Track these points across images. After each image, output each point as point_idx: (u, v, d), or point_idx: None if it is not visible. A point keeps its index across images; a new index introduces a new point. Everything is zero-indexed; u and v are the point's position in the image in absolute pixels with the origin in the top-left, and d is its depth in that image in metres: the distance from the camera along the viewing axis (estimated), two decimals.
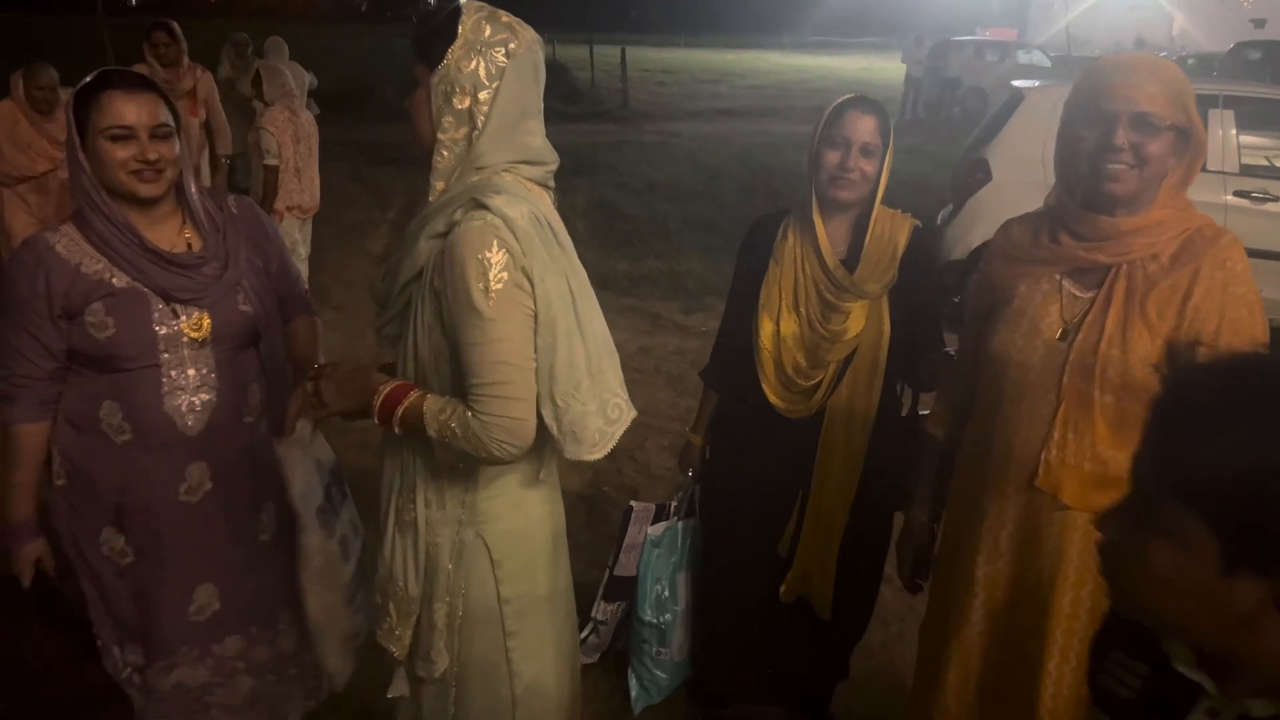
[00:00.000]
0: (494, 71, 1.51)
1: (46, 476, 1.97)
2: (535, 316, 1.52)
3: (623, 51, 19.59)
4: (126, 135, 1.81)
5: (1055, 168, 1.70)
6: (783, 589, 2.37)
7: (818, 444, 2.28)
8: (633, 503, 2.64)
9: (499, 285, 1.46)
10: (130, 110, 1.81)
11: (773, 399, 2.26)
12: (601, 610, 2.69)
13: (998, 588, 1.73)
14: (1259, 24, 28.36)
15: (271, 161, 5.28)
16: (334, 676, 2.07)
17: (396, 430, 1.58)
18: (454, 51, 1.51)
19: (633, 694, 2.67)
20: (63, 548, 1.98)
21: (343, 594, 2.03)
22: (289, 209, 5.43)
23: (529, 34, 1.57)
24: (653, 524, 2.61)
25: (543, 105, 1.62)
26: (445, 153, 1.55)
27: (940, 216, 6.63)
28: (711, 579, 2.51)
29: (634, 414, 1.66)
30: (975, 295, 1.85)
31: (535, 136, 1.60)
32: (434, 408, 1.54)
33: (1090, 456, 1.59)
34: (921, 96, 18.47)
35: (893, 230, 2.22)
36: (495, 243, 1.46)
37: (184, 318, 1.90)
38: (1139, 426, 1.53)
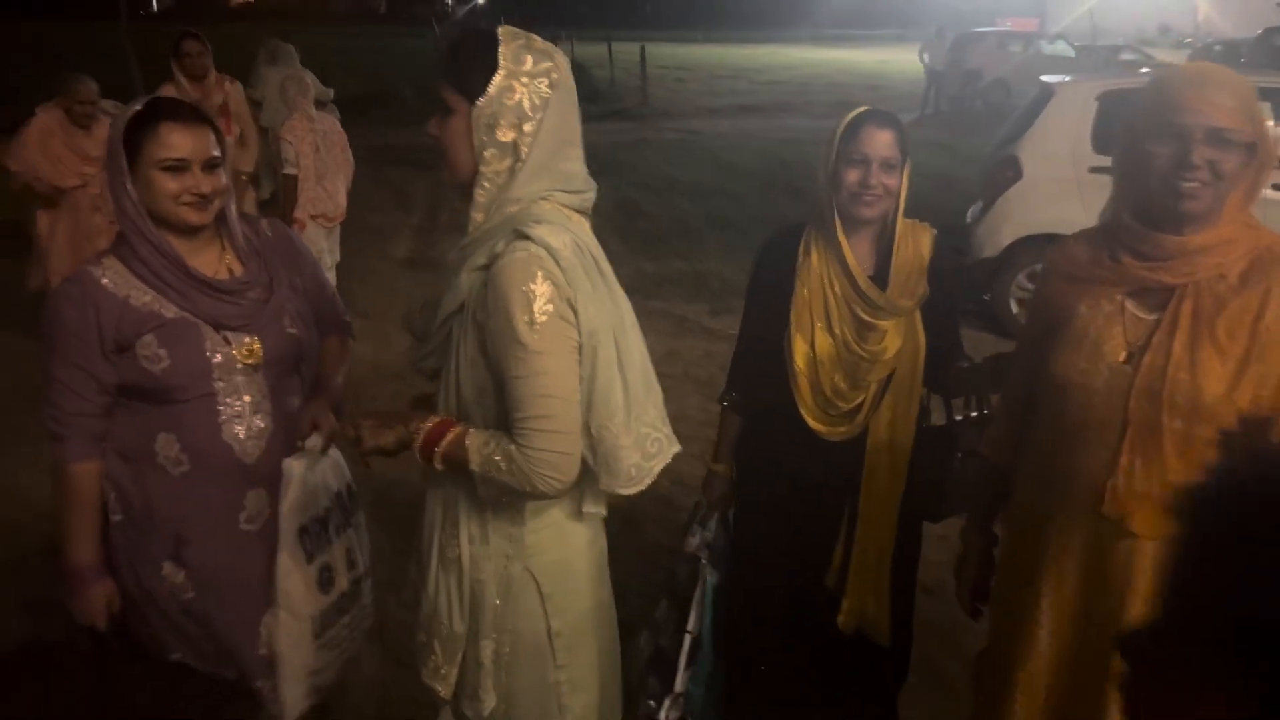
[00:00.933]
0: (538, 103, 1.49)
1: (103, 514, 1.94)
2: (579, 347, 1.50)
3: (642, 49, 19.53)
4: (180, 167, 1.80)
5: (1116, 183, 1.64)
6: (841, 619, 2.29)
7: (860, 466, 2.22)
8: (699, 555, 2.41)
9: (544, 317, 1.45)
10: (186, 143, 1.80)
11: (812, 423, 2.20)
12: (682, 681, 2.41)
13: (1065, 616, 1.68)
14: None
15: (290, 170, 5.29)
16: (285, 707, 2.01)
17: (438, 467, 1.56)
18: (496, 84, 1.48)
19: None
20: (124, 584, 1.95)
21: (310, 624, 1.98)
22: (313, 217, 5.43)
23: (563, 58, 1.56)
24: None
25: (580, 130, 1.59)
26: (487, 184, 1.52)
27: (970, 214, 6.54)
28: (753, 618, 2.40)
29: (676, 448, 1.65)
30: (1032, 315, 1.80)
31: (575, 164, 1.58)
32: (477, 442, 1.51)
33: (1159, 483, 1.54)
34: (943, 90, 18.28)
35: (916, 242, 2.19)
36: (540, 274, 1.45)
37: (235, 345, 1.89)
38: (1209, 451, 1.49)
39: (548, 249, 1.45)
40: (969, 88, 18.19)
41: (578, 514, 1.66)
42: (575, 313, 1.48)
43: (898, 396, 2.19)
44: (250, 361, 1.91)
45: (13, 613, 3.12)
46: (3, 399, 5.02)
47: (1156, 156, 1.52)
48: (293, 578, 1.92)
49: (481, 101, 1.48)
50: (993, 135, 6.86)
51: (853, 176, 2.08)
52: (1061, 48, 19.01)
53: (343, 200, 5.64)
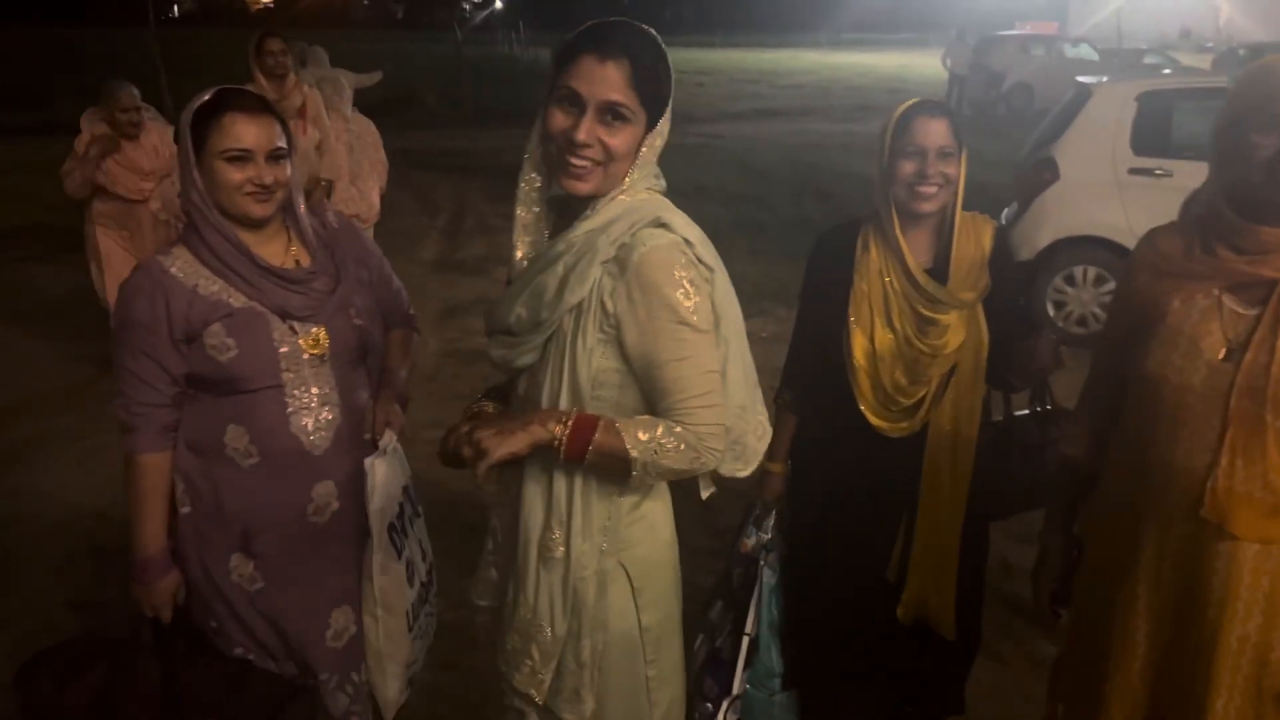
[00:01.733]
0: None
1: (172, 504, 1.94)
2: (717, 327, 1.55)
3: None
4: (244, 158, 1.80)
5: (1211, 174, 1.59)
6: (900, 610, 2.28)
7: (920, 462, 2.20)
8: (759, 556, 2.40)
9: (698, 298, 1.48)
10: (250, 133, 1.80)
11: (872, 419, 2.17)
12: (740, 682, 2.38)
13: (1162, 622, 1.63)
14: None
15: (326, 176, 5.26)
16: (388, 706, 2.05)
17: (587, 461, 1.50)
18: (670, 103, 1.53)
19: None
20: (191, 576, 1.96)
21: (406, 619, 2.02)
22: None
23: None
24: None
25: None
26: (624, 195, 1.55)
27: (1004, 216, 6.48)
28: (814, 612, 2.38)
29: (771, 432, 1.72)
30: (1116, 312, 1.75)
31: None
32: (633, 429, 1.48)
33: (1262, 484, 1.49)
34: (966, 94, 18.18)
35: (978, 235, 2.16)
36: (684, 259, 1.49)
37: (301, 335, 1.89)
38: None
39: (685, 238, 1.50)
40: (991, 91, 18.09)
41: (663, 506, 1.69)
42: (712, 297, 1.53)
43: (960, 392, 2.17)
44: (317, 352, 1.90)
45: (59, 613, 3.12)
46: (42, 402, 5.06)
47: (1260, 147, 1.47)
48: (388, 576, 1.95)
49: (662, 121, 1.52)
50: (1017, 139, 6.81)
51: (909, 169, 2.06)
52: (1085, 51, 18.90)
53: (376, 201, 5.63)
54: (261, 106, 1.84)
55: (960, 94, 18.16)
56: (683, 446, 1.48)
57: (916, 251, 2.13)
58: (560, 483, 1.59)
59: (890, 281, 2.13)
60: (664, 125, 1.53)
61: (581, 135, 1.45)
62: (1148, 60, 18.81)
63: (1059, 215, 5.94)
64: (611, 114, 1.46)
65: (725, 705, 2.33)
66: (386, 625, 1.96)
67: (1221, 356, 1.53)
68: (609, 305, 1.49)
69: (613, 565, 1.62)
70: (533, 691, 1.67)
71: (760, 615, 2.37)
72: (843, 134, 14.73)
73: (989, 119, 16.94)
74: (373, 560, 1.91)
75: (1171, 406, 1.57)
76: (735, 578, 2.45)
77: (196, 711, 1.84)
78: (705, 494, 1.67)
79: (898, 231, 2.11)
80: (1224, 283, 1.56)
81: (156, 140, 5.09)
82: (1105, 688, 1.71)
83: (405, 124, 14.67)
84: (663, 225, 1.49)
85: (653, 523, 1.67)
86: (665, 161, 1.67)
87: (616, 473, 1.51)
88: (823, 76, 25.79)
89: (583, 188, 1.50)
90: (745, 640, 2.34)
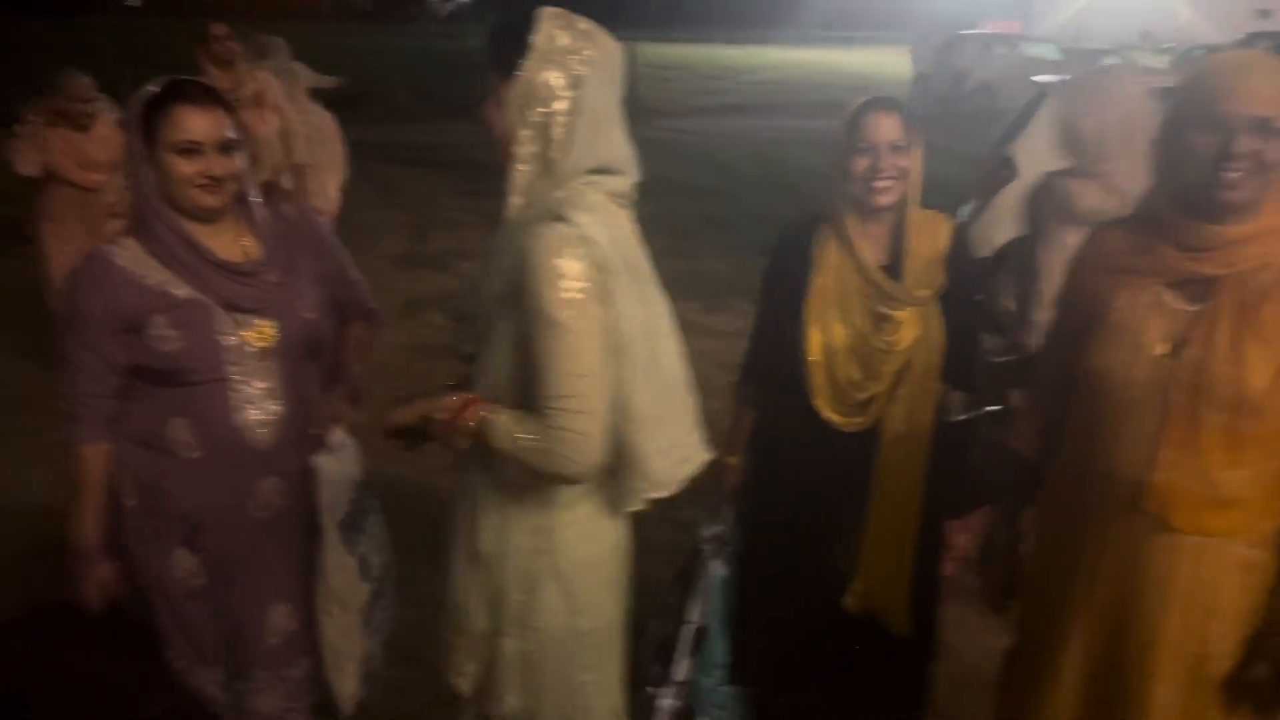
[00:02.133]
0: (570, 82, 1.47)
1: (116, 498, 1.92)
2: (611, 334, 1.48)
3: (632, 49, 19.49)
4: (194, 149, 1.78)
5: (1154, 173, 1.62)
6: (850, 600, 2.30)
7: (873, 456, 2.22)
8: (704, 547, 2.41)
9: (574, 295, 1.43)
10: (200, 125, 1.78)
11: (827, 413, 2.20)
12: (683, 670, 2.38)
13: (1098, 616, 1.66)
14: (1265, 14, 28.19)
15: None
16: (344, 700, 2.04)
17: (463, 443, 1.53)
18: (529, 63, 1.46)
19: None
20: (133, 570, 1.94)
21: (359, 615, 2.00)
22: None
23: (608, 41, 1.53)
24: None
25: (621, 113, 1.56)
26: (522, 166, 1.50)
27: (960, 213, 6.54)
28: (765, 604, 2.40)
29: (707, 456, 1.62)
30: (1064, 307, 1.78)
31: (615, 145, 1.55)
32: (506, 419, 1.50)
33: (1200, 478, 1.52)
34: (931, 92, 18.35)
35: (934, 232, 2.17)
36: (572, 252, 1.43)
37: (247, 328, 1.87)
38: (1252, 447, 1.48)
39: (584, 236, 1.44)
40: (955, 90, 18.26)
41: (608, 512, 1.63)
42: (609, 301, 1.46)
43: (913, 387, 2.18)
44: (263, 345, 1.88)
45: (14, 611, 3.06)
46: None
47: (1199, 146, 1.50)
48: (341, 573, 1.93)
49: (515, 80, 1.47)
50: (980, 137, 6.88)
51: (862, 164, 2.08)
52: (1047, 50, 19.10)
53: (334, 194, 5.59)
54: (211, 97, 1.82)
55: (925, 92, 18.33)
56: (539, 446, 1.45)
57: (873, 248, 2.15)
58: (488, 479, 1.60)
59: (848, 278, 2.15)
60: (524, 88, 1.46)
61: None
62: (1108, 61, 19.06)
63: (1017, 213, 6.01)
64: (487, 93, 1.51)
65: (668, 691, 2.35)
66: (341, 622, 1.95)
67: (1163, 352, 1.56)
68: (519, 298, 1.49)
69: (546, 566, 1.60)
70: (459, 682, 1.69)
71: (709, 604, 2.38)
72: (809, 130, 14.78)
73: (953, 117, 17.09)
74: (324, 557, 1.90)
75: (1115, 401, 1.60)
76: (689, 567, 2.46)
77: (113, 706, 1.83)
78: (629, 506, 1.60)
79: (853, 228, 2.14)
80: (1167, 279, 1.58)
81: (108, 131, 4.93)
82: (1043, 679, 1.74)
83: (372, 117, 14.48)
84: (561, 219, 1.45)
85: (591, 528, 1.63)
86: None
87: (500, 459, 1.52)
88: (789, 73, 25.87)
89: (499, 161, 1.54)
90: (687, 628, 2.36)
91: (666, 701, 2.34)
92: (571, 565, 1.62)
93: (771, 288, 2.32)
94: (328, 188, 5.51)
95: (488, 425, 1.51)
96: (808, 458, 2.27)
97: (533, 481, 1.53)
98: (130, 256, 1.82)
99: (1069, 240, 3.22)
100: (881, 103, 2.12)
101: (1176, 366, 1.54)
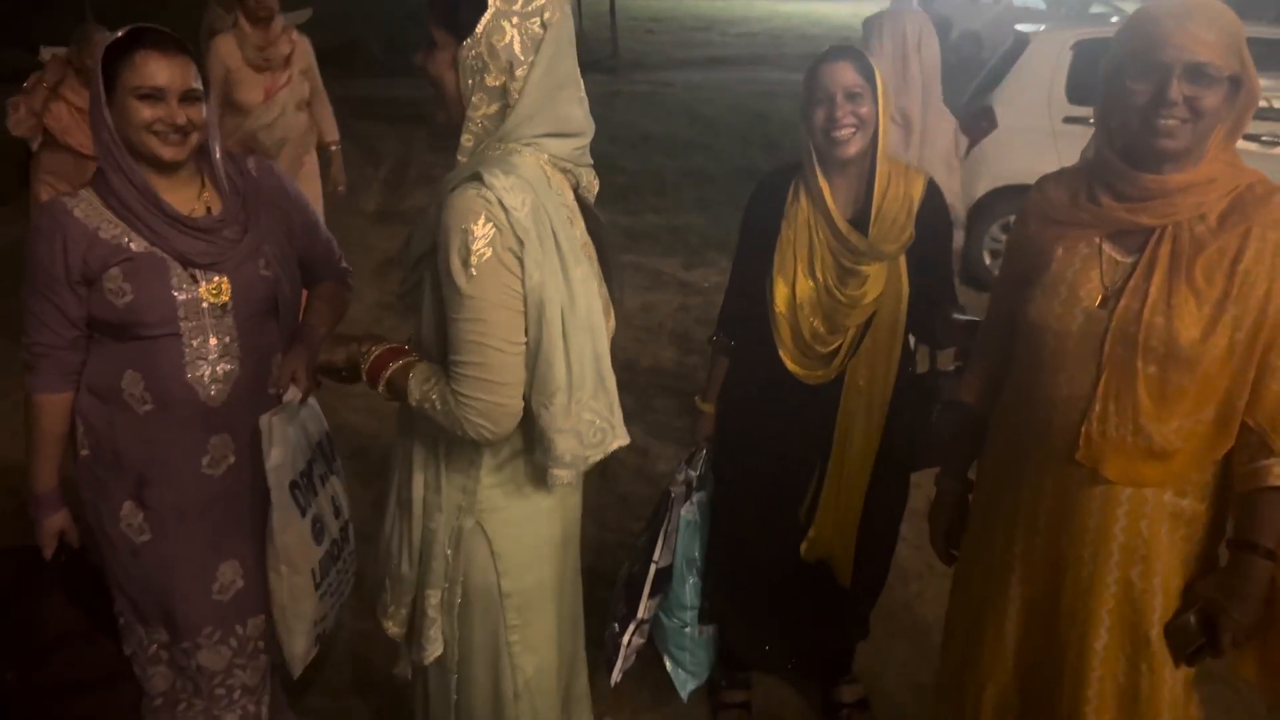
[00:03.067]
0: (529, 44, 1.41)
1: (73, 448, 1.95)
2: (524, 310, 1.43)
3: (611, 0, 19.19)
4: (155, 96, 1.77)
5: (1097, 122, 1.60)
6: (803, 548, 2.35)
7: (837, 409, 2.24)
8: (671, 488, 2.44)
9: (480, 260, 1.38)
10: (163, 71, 1.76)
11: (790, 365, 2.21)
12: (647, 608, 2.44)
13: (1035, 565, 1.68)
14: None
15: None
16: (294, 660, 2.05)
17: (380, 390, 1.56)
18: (485, 23, 1.40)
19: (678, 681, 2.61)
20: (86, 521, 1.97)
21: (311, 577, 2.01)
22: None
23: (563, 1, 1.46)
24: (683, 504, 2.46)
25: (578, 71, 1.51)
26: (475, 128, 1.47)
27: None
28: (729, 547, 2.46)
29: (622, 440, 1.57)
30: (1009, 258, 1.77)
31: (571, 106, 1.50)
32: (419, 376, 1.51)
33: (1133, 429, 1.53)
34: None
35: (906, 186, 2.15)
36: (483, 216, 1.38)
37: (203, 283, 1.86)
38: (1184, 398, 1.49)
39: (501, 201, 1.38)
40: (940, 40, 18.07)
41: (540, 476, 1.56)
42: (522, 270, 1.40)
43: (877, 341, 2.19)
44: (218, 301, 1.87)
45: None
46: None
47: (1135, 93, 1.48)
48: (289, 533, 1.93)
49: (469, 42, 1.41)
50: (965, 88, 6.83)
51: (820, 115, 2.07)
52: (1033, 0, 18.90)
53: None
54: (176, 45, 1.79)
55: None
56: (446, 410, 1.44)
57: (840, 201, 2.14)
58: (420, 435, 1.60)
59: (816, 230, 2.14)
60: (480, 49, 1.40)
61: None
62: (1094, 10, 18.87)
63: (996, 164, 5.99)
64: (426, 40, 1.47)
65: (631, 628, 2.40)
66: (291, 583, 1.95)
67: (1098, 303, 1.56)
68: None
69: (471, 525, 1.60)
70: (388, 624, 1.72)
71: (675, 548, 2.42)
72: (794, 83, 14.59)
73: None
74: (273, 517, 1.90)
75: (1051, 353, 1.60)
76: (659, 509, 2.50)
77: (59, 653, 1.91)
78: (550, 482, 1.54)
79: (821, 181, 2.12)
80: (1106, 230, 1.58)
81: (89, 60, 4.52)
82: (982, 627, 1.76)
83: (349, 72, 14.27)
84: (479, 180, 1.39)
85: (522, 489, 1.61)
86: (611, 109, 1.63)
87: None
88: (775, 25, 25.52)
89: (439, 119, 1.53)
90: (652, 568, 2.39)
91: (628, 638, 2.40)
92: (497, 526, 1.61)
93: (746, 238, 2.33)
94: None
95: (400, 379, 1.52)
96: (772, 409, 2.29)
97: (460, 439, 1.51)
98: (87, 209, 1.81)
99: None
100: (837, 52, 2.10)
101: (1110, 318, 1.54)
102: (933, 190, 2.18)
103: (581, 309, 1.48)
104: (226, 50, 4.26)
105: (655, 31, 23.37)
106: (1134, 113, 1.49)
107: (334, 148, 4.79)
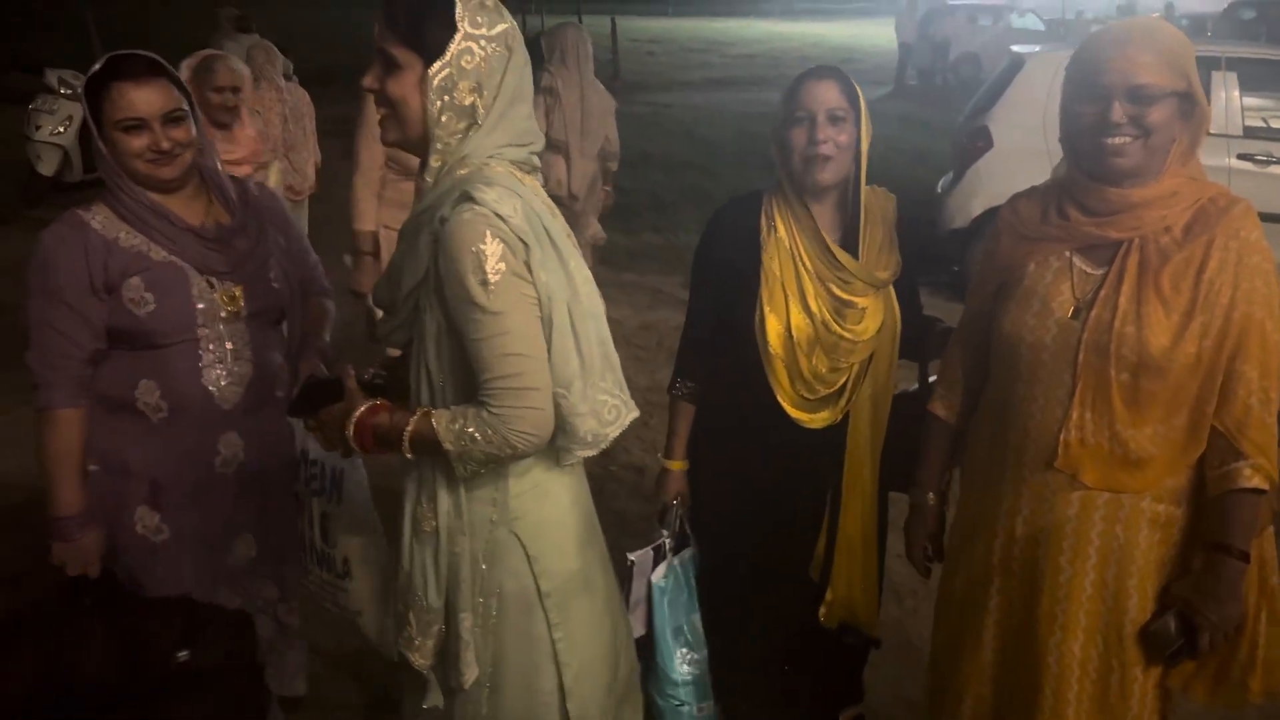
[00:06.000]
0: (497, 65, 1.47)
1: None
2: (539, 305, 1.48)
3: (612, 21, 19.36)
4: (139, 125, 1.81)
5: (1063, 142, 1.66)
6: (823, 612, 2.19)
7: (840, 453, 2.09)
8: (630, 555, 2.15)
9: (497, 276, 1.42)
10: (140, 100, 1.80)
11: (790, 410, 2.04)
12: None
13: (1012, 574, 1.71)
14: None
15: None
16: (379, 633, 2.10)
17: (408, 455, 1.54)
18: (455, 45, 1.44)
19: None
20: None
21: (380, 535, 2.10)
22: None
23: (510, 17, 1.52)
24: (653, 569, 2.17)
25: (531, 87, 1.57)
26: (441, 147, 1.49)
27: (940, 185, 6.57)
28: (725, 621, 2.22)
29: (634, 414, 1.64)
30: (982, 273, 1.81)
31: (526, 120, 1.55)
32: (444, 420, 1.48)
33: (1109, 436, 1.57)
34: (913, 63, 18.28)
35: (883, 210, 2.07)
36: (488, 233, 1.41)
37: (219, 291, 1.92)
38: (1156, 405, 1.53)
39: (496, 213, 1.42)
40: (938, 61, 18.19)
41: (558, 474, 1.64)
42: (530, 273, 1.46)
43: (878, 377, 2.09)
44: (233, 309, 1.94)
45: None
46: None
47: (1083, 116, 1.55)
48: (363, 489, 2.04)
49: (438, 64, 1.44)
50: (963, 109, 6.89)
51: (799, 137, 1.95)
52: (1031, 21, 19.06)
53: (311, 173, 5.54)
54: (150, 70, 1.83)
55: (906, 63, 18.25)
56: (486, 434, 1.45)
57: (823, 229, 2.01)
58: (438, 466, 1.59)
59: (802, 259, 2.00)
60: (449, 70, 1.42)
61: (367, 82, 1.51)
62: (1094, 30, 19.04)
63: (992, 183, 6.03)
64: (381, 62, 1.48)
65: None
66: (367, 544, 2.06)
67: (1070, 315, 1.60)
68: (439, 285, 1.48)
69: (504, 535, 1.61)
70: (413, 656, 1.69)
71: (650, 619, 2.15)
72: None
73: (936, 88, 17.07)
74: (351, 478, 2.03)
75: (1027, 364, 1.65)
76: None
77: (157, 657, 1.81)
78: (563, 463, 1.61)
79: (803, 205, 2.00)
80: (1075, 244, 1.63)
81: (259, 126, 4.04)
82: (960, 642, 1.78)
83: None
84: (470, 199, 1.42)
85: (546, 490, 1.64)
86: None
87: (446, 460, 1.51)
88: (774, 46, 25.72)
89: (388, 139, 1.55)
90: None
91: None
92: (529, 530, 1.62)
93: (710, 272, 2.13)
94: (305, 166, 5.45)
95: (426, 432, 1.50)
96: (767, 457, 2.10)
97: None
98: (104, 220, 1.85)
99: None
100: (820, 71, 1.99)
101: (1083, 328, 1.58)
102: (900, 209, 2.10)
103: (584, 297, 1.55)
104: None
105: (655, 54, 23.57)
106: (1084, 134, 1.56)
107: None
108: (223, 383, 1.93)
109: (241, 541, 2.08)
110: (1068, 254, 1.64)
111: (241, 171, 3.77)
